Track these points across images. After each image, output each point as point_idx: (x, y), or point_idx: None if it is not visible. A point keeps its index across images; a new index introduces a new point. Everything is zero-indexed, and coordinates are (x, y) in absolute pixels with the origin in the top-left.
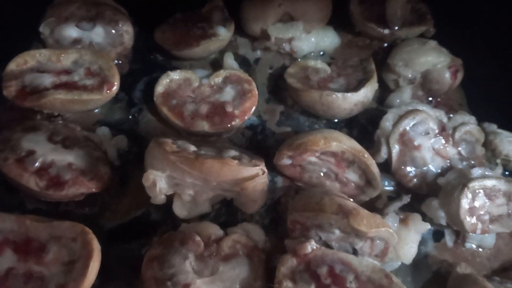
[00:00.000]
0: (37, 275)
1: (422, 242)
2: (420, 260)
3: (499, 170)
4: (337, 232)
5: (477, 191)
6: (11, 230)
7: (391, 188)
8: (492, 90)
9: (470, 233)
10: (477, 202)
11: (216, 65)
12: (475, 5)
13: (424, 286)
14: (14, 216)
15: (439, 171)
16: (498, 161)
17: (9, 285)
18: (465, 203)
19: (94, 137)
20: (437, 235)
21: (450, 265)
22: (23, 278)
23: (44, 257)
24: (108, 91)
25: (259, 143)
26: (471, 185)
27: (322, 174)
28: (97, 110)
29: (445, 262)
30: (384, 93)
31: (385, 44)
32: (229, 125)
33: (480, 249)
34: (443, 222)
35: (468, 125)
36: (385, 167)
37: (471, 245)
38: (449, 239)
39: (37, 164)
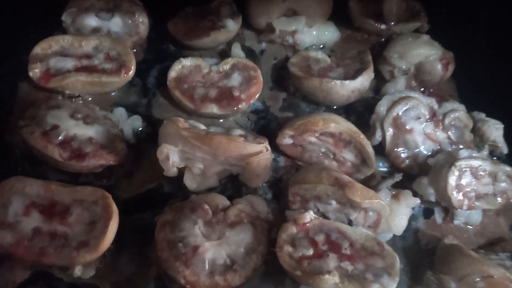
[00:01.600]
0: (61, 234)
1: (413, 219)
2: (411, 235)
3: (485, 152)
4: (333, 203)
5: (463, 169)
6: (38, 194)
7: (385, 169)
8: (482, 82)
9: (458, 210)
10: (463, 180)
11: (224, 55)
12: (467, 3)
13: (414, 258)
14: (41, 182)
15: (430, 153)
16: (486, 146)
17: (36, 242)
18: (452, 180)
19: (111, 116)
20: (427, 212)
21: (438, 239)
22: (48, 237)
23: (67, 218)
24: (125, 75)
25: (263, 126)
26: (458, 163)
27: (321, 153)
28: (114, 93)
29: (434, 237)
30: (380, 83)
31: (382, 39)
32: (235, 108)
33: (468, 226)
34: (433, 198)
35: (458, 111)
36: (380, 149)
37: (459, 222)
38: (438, 216)
39: (60, 137)
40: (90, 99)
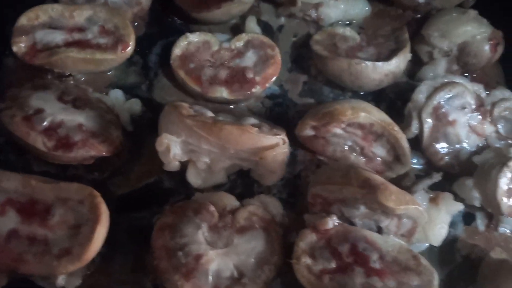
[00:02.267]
0: (40, 238)
1: (451, 225)
2: (448, 244)
3: None
4: (362, 208)
5: None
6: (16, 190)
7: (420, 167)
8: None
9: (506, 217)
10: None
11: (237, 30)
12: None
13: (452, 272)
14: (19, 176)
15: (474, 149)
16: None
17: (11, 247)
18: (503, 183)
19: (106, 99)
20: (468, 218)
21: (481, 250)
22: (26, 241)
23: (49, 220)
24: (123, 51)
25: (280, 114)
26: (511, 163)
27: (346, 147)
28: (110, 73)
29: (476, 247)
30: (415, 66)
31: (419, 15)
32: (248, 92)
33: None
34: (477, 203)
35: (509, 101)
36: (415, 143)
37: (505, 229)
38: (480, 222)
39: (45, 123)
40: (83, 79)
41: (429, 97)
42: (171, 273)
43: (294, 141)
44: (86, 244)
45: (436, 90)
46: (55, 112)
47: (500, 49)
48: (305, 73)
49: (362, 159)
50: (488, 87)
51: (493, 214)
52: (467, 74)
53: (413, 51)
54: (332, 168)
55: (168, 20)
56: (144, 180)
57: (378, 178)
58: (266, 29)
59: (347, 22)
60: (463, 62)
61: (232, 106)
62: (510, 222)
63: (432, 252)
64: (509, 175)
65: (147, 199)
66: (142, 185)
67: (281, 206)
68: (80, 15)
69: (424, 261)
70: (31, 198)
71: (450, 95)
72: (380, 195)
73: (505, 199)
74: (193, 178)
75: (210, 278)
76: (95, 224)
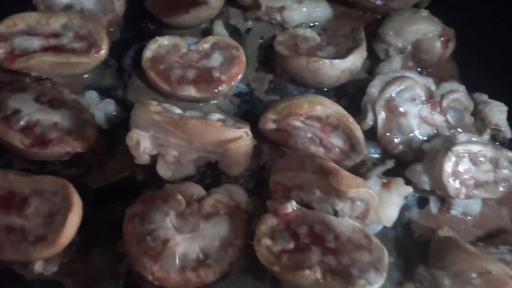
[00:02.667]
0: (17, 227)
1: (406, 209)
2: (403, 227)
3: (486, 136)
4: (317, 192)
5: (461, 155)
6: None
7: (376, 156)
8: (485, 62)
9: (455, 199)
10: (461, 166)
11: (206, 34)
12: None
13: (406, 251)
14: None
15: (425, 138)
16: (488, 130)
17: None
18: (448, 166)
19: (82, 100)
20: (422, 202)
21: (433, 231)
22: (4, 231)
23: (25, 210)
24: (96, 55)
25: (247, 111)
26: (455, 148)
27: (307, 139)
28: (86, 75)
29: (428, 228)
30: (373, 63)
31: (379, 16)
32: (215, 90)
33: (466, 217)
34: (427, 187)
35: (457, 92)
36: (371, 134)
37: (456, 212)
38: (433, 205)
39: (22, 122)
40: (61, 82)
41: (382, 90)
42: (141, 256)
43: (260, 135)
44: (59, 231)
45: (387, 84)
46: (31, 112)
47: (451, 46)
48: (271, 72)
49: (321, 150)
50: (443, 81)
51: (445, 198)
52: (422, 69)
53: (372, 49)
54: (290, 157)
55: (142, 26)
56: (118, 175)
57: (331, 164)
58: (235, 32)
59: (311, 24)
60: (417, 58)
61: (201, 104)
62: (461, 204)
63: (388, 234)
64: (453, 159)
65: (122, 192)
66: (117, 179)
67: (246, 194)
68: (56, 22)
69: (375, 239)
70: (9, 190)
71: (401, 88)
72: (332, 179)
73: (451, 182)
74: (163, 170)
75: (177, 260)
76: (67, 212)
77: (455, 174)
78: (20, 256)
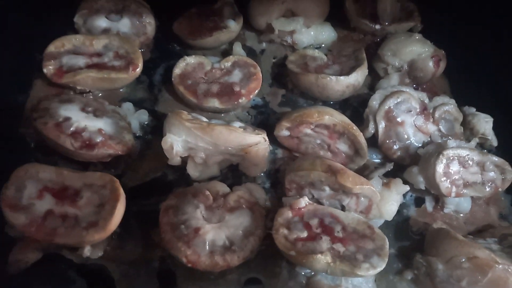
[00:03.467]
0: (71, 215)
1: (404, 207)
2: (402, 222)
3: (473, 143)
4: (327, 189)
5: (451, 158)
6: (50, 179)
7: (377, 160)
8: (473, 79)
9: (448, 198)
10: (451, 168)
11: (226, 54)
12: (459, 4)
13: (404, 244)
14: (53, 168)
15: (420, 145)
16: (475, 139)
17: (48, 223)
18: (440, 168)
19: (120, 110)
20: (418, 201)
21: (428, 225)
22: (60, 218)
23: (78, 201)
24: (133, 71)
25: (262, 121)
26: (446, 152)
27: (316, 145)
28: (122, 89)
29: (424, 224)
30: (374, 80)
31: (377, 39)
32: (236, 102)
33: (458, 214)
34: (422, 186)
35: (448, 105)
36: (373, 141)
37: (449, 210)
38: (429, 204)
39: (72, 128)
40: (100, 94)
41: (381, 103)
42: (176, 242)
43: (275, 142)
44: (109, 217)
45: (386, 97)
46: (79, 119)
47: (442, 64)
48: (283, 87)
49: (329, 154)
50: (436, 95)
51: (439, 197)
52: (417, 85)
53: (372, 68)
54: (302, 159)
55: (169, 47)
56: (151, 174)
57: (338, 165)
58: (251, 52)
59: (318, 46)
60: (412, 76)
61: (223, 114)
62: (453, 203)
63: (388, 228)
64: (444, 161)
65: (154, 190)
66: (150, 179)
67: (264, 192)
68: (98, 43)
69: (377, 230)
70: (63, 184)
71: (398, 101)
72: (339, 177)
73: (443, 181)
74: (192, 170)
75: (207, 246)
76: (116, 202)
77: (446, 174)
78: (74, 240)
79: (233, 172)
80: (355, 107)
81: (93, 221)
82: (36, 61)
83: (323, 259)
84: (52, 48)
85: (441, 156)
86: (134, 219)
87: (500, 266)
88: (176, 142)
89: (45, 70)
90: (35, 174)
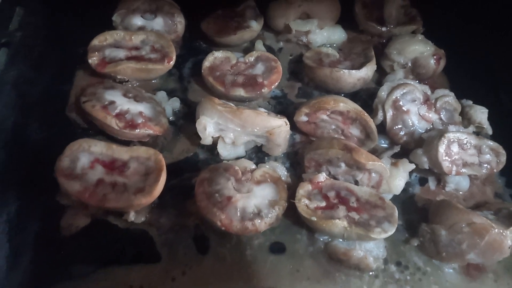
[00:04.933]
0: (120, 184)
1: (410, 185)
2: (408, 199)
3: (471, 129)
4: (342, 165)
5: (452, 140)
6: (101, 152)
7: (385, 145)
8: (470, 75)
9: (448, 177)
10: (452, 149)
11: (247, 51)
12: (458, 9)
13: (411, 216)
14: (104, 142)
15: (424, 131)
16: (472, 127)
17: (99, 191)
18: (442, 148)
19: (155, 97)
20: (423, 181)
21: (431, 201)
22: (110, 185)
23: (125, 171)
24: (168, 63)
25: (281, 110)
26: (447, 135)
27: (331, 130)
28: (155, 80)
29: (428, 200)
30: (381, 76)
31: (383, 40)
32: (259, 92)
33: (458, 192)
34: (426, 166)
35: (448, 97)
36: (381, 128)
37: (450, 188)
38: (432, 183)
39: (117, 110)
40: (136, 84)
41: (389, 93)
42: (211, 208)
43: (294, 128)
44: (154, 184)
45: (393, 88)
46: (123, 103)
47: (442, 63)
48: (299, 81)
49: (343, 138)
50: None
51: (440, 177)
52: (419, 81)
53: (379, 66)
54: (321, 140)
55: (196, 44)
56: (184, 154)
57: (353, 144)
58: (269, 50)
59: (329, 46)
60: (416, 72)
61: (246, 103)
62: (453, 181)
63: (396, 204)
64: (446, 142)
65: (187, 167)
66: (183, 157)
67: (285, 170)
68: (136, 38)
69: (387, 200)
70: (112, 157)
71: (404, 92)
72: (354, 154)
73: (444, 160)
74: (222, 149)
75: (238, 212)
76: (160, 171)
77: (448, 154)
78: (124, 204)
79: (257, 153)
80: (365, 99)
81: (140, 187)
82: (79, 55)
83: (340, 224)
84: (96, 41)
85: (443, 138)
86: (169, 192)
87: (496, 230)
88: (209, 123)
89: (90, 61)
90: (87, 148)
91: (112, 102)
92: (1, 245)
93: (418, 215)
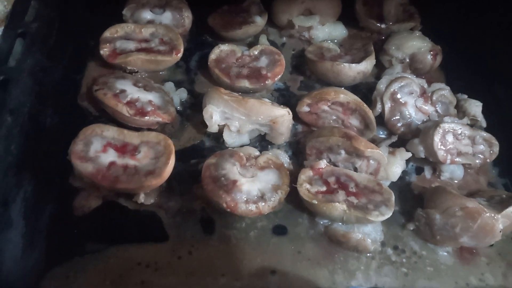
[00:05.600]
0: (131, 166)
1: (407, 174)
2: (405, 187)
3: (465, 120)
4: (342, 153)
5: (447, 130)
6: (113, 137)
7: (383, 136)
8: (465, 70)
9: (443, 166)
10: (447, 139)
11: (252, 46)
12: (455, 9)
13: (407, 203)
14: (115, 127)
15: (420, 122)
16: (467, 119)
17: (111, 173)
18: (437, 138)
19: (163, 88)
20: (419, 170)
21: (427, 189)
22: (122, 168)
23: (136, 155)
24: (176, 55)
25: (284, 102)
26: (442, 125)
27: (331, 120)
28: (163, 72)
29: (424, 188)
30: (380, 71)
31: (382, 37)
32: (263, 84)
33: (453, 181)
34: (422, 155)
35: (444, 90)
36: (380, 120)
37: (445, 177)
38: (427, 172)
39: (127, 98)
40: (145, 75)
41: (387, 86)
42: (217, 190)
43: (296, 118)
44: (164, 167)
45: (392, 81)
46: (133, 92)
47: (439, 58)
48: (301, 74)
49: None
50: None
51: (436, 166)
52: (417, 76)
53: (378, 61)
54: (322, 129)
55: (202, 38)
56: (190, 142)
57: (352, 132)
58: (273, 45)
59: (331, 41)
60: (413, 67)
61: (251, 94)
62: (448, 170)
63: (393, 191)
64: (441, 131)
65: (193, 154)
66: (190, 145)
67: (288, 157)
68: (146, 31)
69: (384, 186)
70: (124, 142)
71: (402, 85)
72: (354, 141)
73: (440, 149)
74: (227, 137)
75: (243, 195)
76: (169, 155)
77: (443, 143)
78: (135, 185)
79: (260, 142)
80: (364, 92)
81: (150, 170)
82: (90, 47)
83: (340, 207)
84: (107, 33)
85: (438, 128)
86: (177, 177)
87: (488, 214)
88: (215, 112)
89: (101, 52)
90: (100, 132)
91: (123, 91)
92: (18, 224)
93: (414, 201)
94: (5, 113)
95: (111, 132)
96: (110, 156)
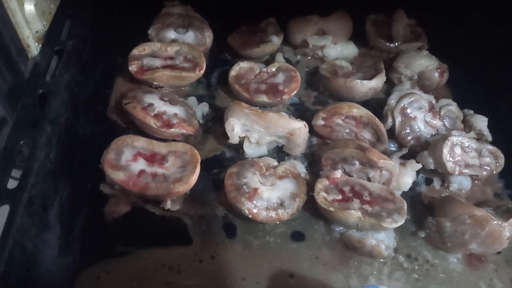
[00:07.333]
0: (160, 174)
1: (417, 185)
2: (415, 197)
3: (472, 134)
4: (356, 163)
5: (455, 142)
6: (143, 147)
7: (394, 149)
8: (471, 87)
9: (452, 176)
10: (455, 151)
11: (268, 63)
12: (460, 29)
13: (418, 212)
14: (145, 138)
15: (429, 136)
16: (473, 133)
17: (141, 180)
18: (446, 150)
19: (187, 102)
20: (428, 181)
21: (436, 199)
22: (151, 176)
23: (164, 164)
24: (199, 71)
25: (299, 116)
26: (450, 138)
27: (345, 133)
28: (185, 88)
29: (433, 198)
30: (390, 87)
31: (391, 55)
32: (279, 99)
33: (461, 192)
34: (432, 166)
35: (451, 105)
36: (390, 134)
37: (453, 188)
38: (436, 183)
39: (155, 111)
40: (169, 90)
41: (398, 101)
42: (239, 197)
43: (311, 131)
44: (191, 174)
45: (402, 97)
46: (160, 105)
47: (445, 76)
48: (315, 90)
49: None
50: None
51: (444, 177)
52: (425, 93)
53: (388, 78)
54: (336, 141)
55: (222, 56)
56: (212, 153)
57: (366, 144)
58: (288, 63)
59: (342, 59)
60: (421, 84)
61: (268, 109)
62: (456, 181)
63: (405, 200)
64: (449, 144)
65: (215, 164)
66: (212, 155)
67: (304, 167)
68: (171, 49)
69: (397, 195)
70: (153, 151)
71: (411, 100)
72: (368, 153)
73: (448, 161)
74: (247, 148)
75: (264, 202)
76: (196, 163)
77: (451, 156)
78: (163, 192)
79: (278, 153)
80: (375, 107)
81: (177, 177)
82: (118, 64)
83: (355, 214)
84: (135, 51)
85: (447, 140)
86: (200, 185)
87: (495, 222)
88: (236, 124)
89: (130, 68)
90: (131, 143)
91: (151, 104)
92: (55, 227)
93: (425, 211)
94: (46, 123)
95: (141, 142)
96: (140, 165)
